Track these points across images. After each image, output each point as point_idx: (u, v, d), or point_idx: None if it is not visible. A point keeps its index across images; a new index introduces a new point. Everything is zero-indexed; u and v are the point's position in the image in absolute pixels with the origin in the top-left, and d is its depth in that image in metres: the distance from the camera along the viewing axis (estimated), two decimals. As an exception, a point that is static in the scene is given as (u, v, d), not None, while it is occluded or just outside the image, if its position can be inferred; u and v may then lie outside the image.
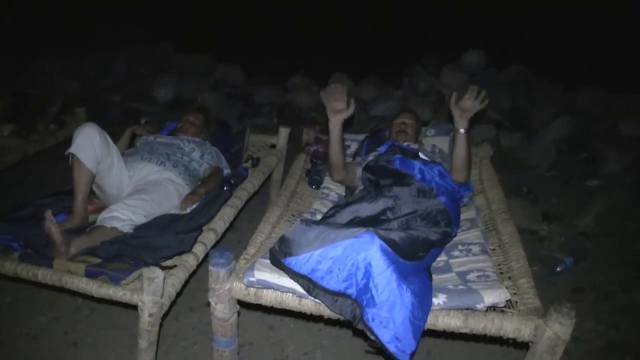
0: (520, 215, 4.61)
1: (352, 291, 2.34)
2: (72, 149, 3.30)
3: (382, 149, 3.75)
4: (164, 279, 2.53)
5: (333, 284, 2.36)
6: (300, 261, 2.42)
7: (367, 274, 2.30)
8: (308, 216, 3.38)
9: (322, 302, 2.42)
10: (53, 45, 10.15)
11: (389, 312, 2.26)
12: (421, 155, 3.59)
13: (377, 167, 3.51)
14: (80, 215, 3.35)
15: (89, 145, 3.31)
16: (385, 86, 8.30)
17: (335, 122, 3.45)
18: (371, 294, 2.28)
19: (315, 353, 3.34)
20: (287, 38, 11.83)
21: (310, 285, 2.41)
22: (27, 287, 3.59)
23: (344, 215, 3.03)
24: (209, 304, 2.94)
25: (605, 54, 9.23)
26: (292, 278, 2.46)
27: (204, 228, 3.32)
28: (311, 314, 2.56)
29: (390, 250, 2.36)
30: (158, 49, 10.11)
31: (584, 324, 3.44)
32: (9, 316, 3.68)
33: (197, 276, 3.28)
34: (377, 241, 2.33)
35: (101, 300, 2.70)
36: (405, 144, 3.74)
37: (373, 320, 2.28)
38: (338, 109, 3.44)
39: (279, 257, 2.50)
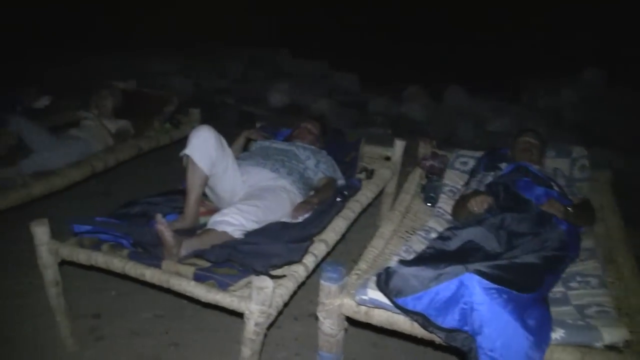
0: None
1: (467, 328, 2.25)
2: (188, 150, 3.31)
3: (506, 169, 3.64)
4: (273, 289, 2.51)
5: (448, 321, 2.28)
6: (412, 301, 2.33)
7: (479, 314, 2.22)
8: (422, 234, 3.29)
9: (438, 336, 2.35)
10: (170, 46, 10.41)
11: (503, 353, 2.18)
12: (546, 179, 3.48)
13: (497, 189, 3.40)
14: (192, 216, 3.36)
15: (205, 147, 3.32)
16: (502, 101, 8.13)
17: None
18: (485, 333, 2.20)
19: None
20: (404, 47, 11.73)
21: (425, 321, 2.32)
22: (132, 282, 3.62)
23: (458, 239, 2.94)
24: (313, 314, 2.90)
25: None
26: (405, 313, 2.39)
27: (314, 238, 3.26)
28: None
29: (500, 287, 2.26)
30: (274, 54, 10.22)
31: None
32: (113, 310, 3.76)
33: (304, 285, 3.23)
34: (482, 283, 2.25)
35: (206, 303, 2.69)
36: (535, 166, 3.63)
37: (487, 357, 2.20)
38: None
39: (390, 296, 2.40)
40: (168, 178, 5.57)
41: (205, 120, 5.88)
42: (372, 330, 2.91)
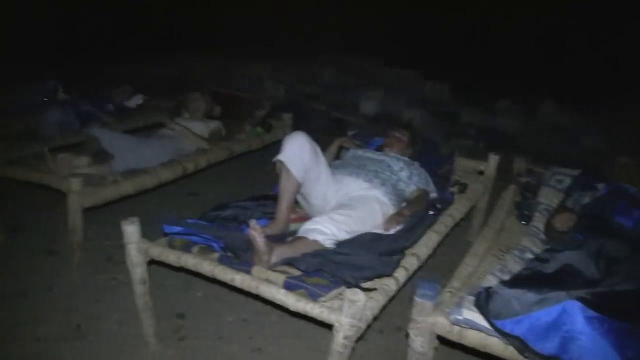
0: None
1: (566, 357, 2.18)
2: (282, 157, 3.32)
3: (603, 190, 3.53)
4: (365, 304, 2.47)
5: (547, 348, 2.21)
6: (511, 324, 2.27)
7: (580, 343, 2.15)
8: (517, 253, 3.22)
9: None
10: (262, 49, 10.51)
11: None
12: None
13: (594, 212, 3.30)
14: (283, 222, 3.37)
15: (299, 154, 3.32)
16: (599, 117, 7.93)
17: None
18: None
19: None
20: (498, 58, 11.53)
21: (522, 346, 2.25)
22: (217, 285, 3.62)
23: (557, 262, 2.85)
24: (400, 328, 2.87)
25: None
26: (502, 336, 2.32)
27: (406, 252, 3.22)
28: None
29: (602, 316, 2.19)
30: (366, 62, 10.20)
31: None
32: (197, 312, 3.78)
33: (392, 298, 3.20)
34: (585, 312, 2.18)
35: (291, 310, 2.67)
36: (634, 188, 3.50)
37: None
38: None
39: (489, 318, 2.34)
40: (257, 182, 5.63)
41: (296, 125, 5.91)
42: (462, 350, 2.84)
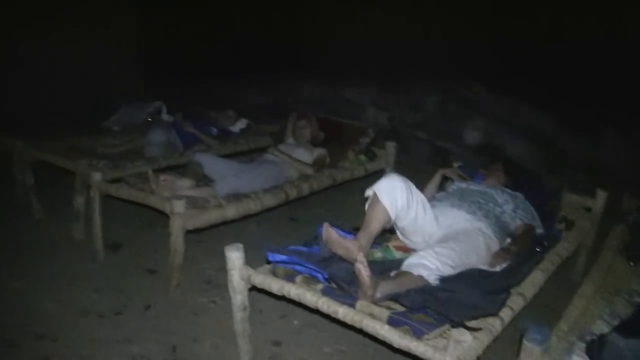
0: None
1: None
2: (375, 188, 3.31)
3: None
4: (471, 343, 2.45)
5: None
6: None
7: None
8: (626, 296, 3.14)
9: None
10: (365, 75, 10.52)
11: None
12: None
13: None
14: (363, 248, 3.17)
15: (392, 192, 3.27)
16: None
17: None
18: None
19: None
20: (607, 85, 11.19)
21: None
22: (315, 314, 3.62)
23: None
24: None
25: None
26: None
27: (512, 290, 3.16)
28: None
29: None
30: (470, 89, 10.10)
31: None
32: (294, 339, 3.79)
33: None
34: None
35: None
36: None
37: None
38: None
39: None
40: (358, 210, 5.60)
41: (399, 153, 5.89)
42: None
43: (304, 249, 3.33)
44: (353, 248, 3.04)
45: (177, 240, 4.03)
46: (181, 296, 4.21)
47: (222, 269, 4.34)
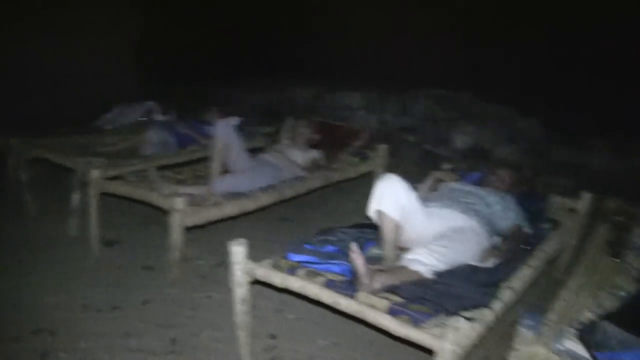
0: None
1: None
2: (378, 205, 3.48)
3: None
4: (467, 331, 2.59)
5: None
6: (609, 357, 2.35)
7: None
8: (611, 290, 3.27)
9: None
10: (356, 80, 10.65)
11: None
12: None
13: None
14: (391, 260, 3.45)
15: (394, 197, 3.46)
16: None
17: None
18: None
19: None
20: (589, 96, 11.37)
21: None
22: (310, 308, 3.87)
23: None
24: (486, 357, 2.93)
25: None
26: None
27: (502, 285, 3.30)
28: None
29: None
30: (458, 95, 10.25)
31: None
32: (289, 333, 3.89)
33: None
34: None
35: (381, 336, 2.85)
36: None
37: None
38: None
39: (590, 350, 2.44)
40: (350, 210, 5.73)
41: (389, 155, 6.01)
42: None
43: (320, 249, 3.51)
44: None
45: (176, 236, 4.14)
46: (178, 291, 4.30)
47: (217, 265, 4.49)
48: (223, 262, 4.61)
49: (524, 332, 2.54)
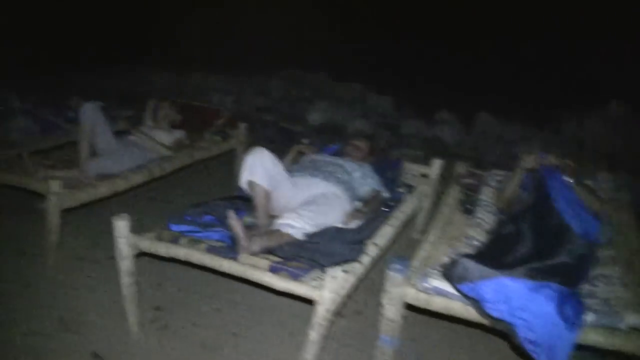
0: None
1: (511, 320, 2.62)
2: (249, 176, 3.72)
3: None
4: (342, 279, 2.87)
5: (495, 311, 2.64)
6: (471, 288, 2.69)
7: (522, 305, 2.59)
8: (465, 240, 3.65)
9: (487, 320, 2.73)
10: (213, 63, 10.77)
11: (544, 337, 2.55)
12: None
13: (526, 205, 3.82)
14: (265, 226, 3.68)
15: (262, 167, 3.71)
16: (529, 129, 8.47)
17: None
18: (527, 321, 2.58)
19: None
20: (435, 74, 11.99)
21: (477, 307, 2.71)
22: (189, 279, 4.17)
23: (502, 245, 3.31)
24: (359, 312, 3.24)
25: None
26: (465, 298, 2.75)
27: (367, 242, 3.59)
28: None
29: (543, 283, 2.64)
30: (313, 75, 10.58)
31: None
32: (172, 304, 4.07)
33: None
34: (526, 283, 2.63)
35: (258, 301, 3.20)
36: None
37: (529, 342, 2.57)
38: None
39: (453, 283, 2.77)
40: (216, 186, 5.94)
41: (248, 134, 6.25)
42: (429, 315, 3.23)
43: (199, 219, 3.69)
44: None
45: (53, 219, 4.15)
46: (58, 274, 4.31)
47: (93, 246, 4.58)
48: (99, 243, 4.70)
49: (394, 276, 2.82)
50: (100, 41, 11.76)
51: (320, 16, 12.79)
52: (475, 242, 3.62)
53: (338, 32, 12.91)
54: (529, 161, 3.90)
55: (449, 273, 2.79)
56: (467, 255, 2.86)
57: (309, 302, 2.93)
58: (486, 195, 4.37)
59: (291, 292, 2.95)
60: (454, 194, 4.56)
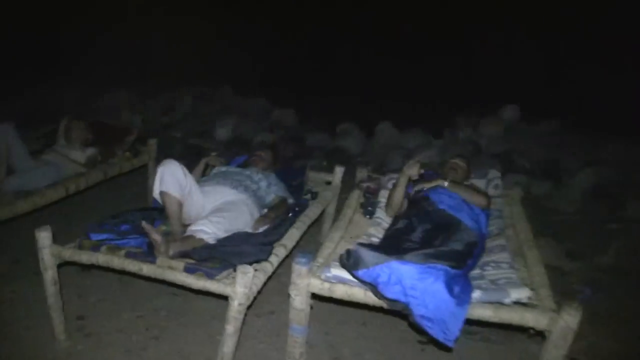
0: (546, 252, 5.01)
1: (405, 299, 2.96)
2: (162, 187, 3.96)
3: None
4: (252, 276, 3.15)
5: (390, 293, 2.97)
6: (364, 274, 3.01)
7: (415, 285, 2.94)
8: (365, 237, 4.01)
9: (385, 302, 3.05)
10: (119, 82, 10.86)
11: (436, 313, 2.89)
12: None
13: (416, 200, 4.23)
14: (179, 234, 3.94)
15: (174, 178, 3.96)
16: (427, 136, 8.94)
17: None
18: (420, 300, 2.92)
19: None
20: (336, 89, 12.31)
21: (374, 291, 3.03)
22: (110, 288, 4.41)
23: (401, 223, 3.80)
24: (272, 312, 3.57)
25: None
26: (361, 283, 3.08)
27: (275, 244, 3.89)
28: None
29: (434, 265, 3.01)
30: (218, 91, 10.81)
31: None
32: (95, 313, 4.26)
33: (263, 289, 3.71)
34: (415, 267, 2.97)
35: (177, 307, 3.45)
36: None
37: (424, 318, 2.92)
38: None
39: (349, 270, 3.09)
40: (128, 199, 6.16)
41: (157, 151, 6.48)
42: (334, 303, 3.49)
43: (117, 228, 3.89)
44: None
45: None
46: None
47: (14, 262, 4.70)
48: (20, 260, 4.82)
49: (299, 268, 3.12)
50: (5, 61, 11.64)
51: (222, 34, 13.02)
52: (374, 239, 3.98)
53: (238, 49, 13.14)
54: (413, 169, 4.25)
55: (346, 262, 3.10)
56: (361, 244, 3.19)
57: (225, 300, 3.18)
58: (384, 197, 4.71)
59: (207, 290, 3.22)
60: (355, 197, 4.92)
